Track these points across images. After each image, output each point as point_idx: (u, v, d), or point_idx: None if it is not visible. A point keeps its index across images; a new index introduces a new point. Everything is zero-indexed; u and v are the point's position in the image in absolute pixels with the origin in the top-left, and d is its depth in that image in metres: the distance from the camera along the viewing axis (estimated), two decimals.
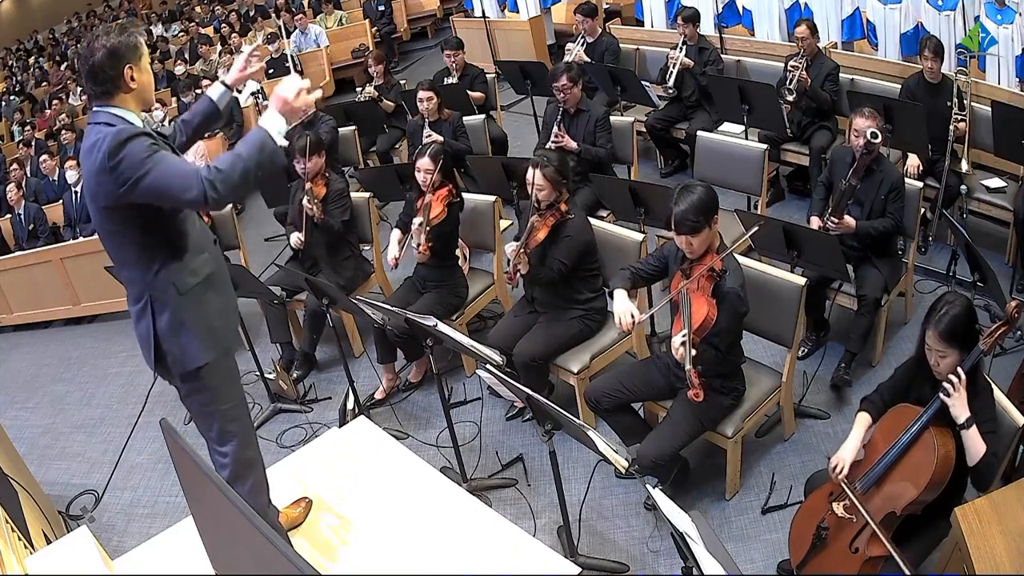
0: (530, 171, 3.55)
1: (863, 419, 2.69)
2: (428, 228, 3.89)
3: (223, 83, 2.68)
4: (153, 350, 2.40)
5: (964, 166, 4.38)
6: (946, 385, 2.38)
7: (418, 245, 3.91)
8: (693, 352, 2.77)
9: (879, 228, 3.65)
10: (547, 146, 4.78)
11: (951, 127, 4.26)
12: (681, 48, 5.57)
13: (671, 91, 5.57)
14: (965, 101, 4.37)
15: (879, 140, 3.53)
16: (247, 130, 7.73)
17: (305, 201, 4.30)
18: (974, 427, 2.36)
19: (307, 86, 2.28)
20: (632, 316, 3.01)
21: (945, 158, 4.33)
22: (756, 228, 2.99)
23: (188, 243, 2.41)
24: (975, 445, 2.36)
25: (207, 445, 2.61)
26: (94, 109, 2.28)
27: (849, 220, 3.63)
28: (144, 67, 2.29)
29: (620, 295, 3.13)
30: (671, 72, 5.55)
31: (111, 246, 2.39)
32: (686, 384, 2.81)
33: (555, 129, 4.81)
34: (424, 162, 3.92)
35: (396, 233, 4.25)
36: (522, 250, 3.53)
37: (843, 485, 2.51)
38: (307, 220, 4.36)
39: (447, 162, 3.99)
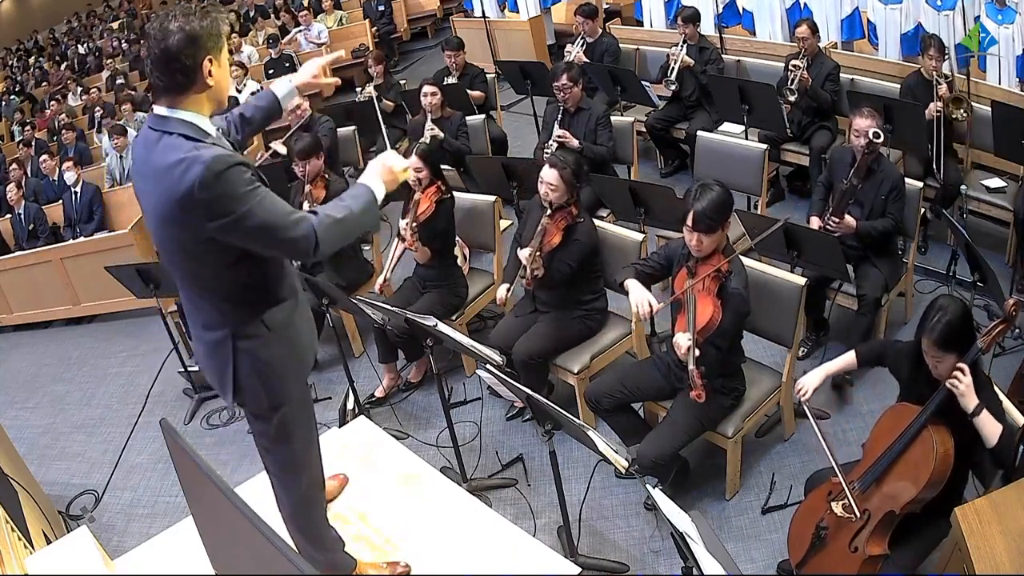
0: (546, 170, 3.51)
1: (850, 355, 2.83)
2: (416, 225, 3.90)
3: (291, 82, 2.38)
4: (232, 385, 2.09)
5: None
6: (954, 377, 2.37)
7: (408, 243, 3.93)
8: (697, 352, 2.77)
9: (880, 228, 3.66)
10: (549, 143, 4.79)
11: (935, 106, 4.25)
12: (682, 47, 5.57)
13: (673, 86, 5.58)
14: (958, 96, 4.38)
15: (881, 140, 3.53)
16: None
17: (305, 205, 4.29)
18: (985, 411, 2.35)
19: (410, 165, 2.13)
20: (650, 304, 2.99)
21: (934, 146, 4.30)
22: (774, 228, 3.01)
23: (280, 273, 2.12)
24: (990, 428, 2.35)
25: (271, 479, 2.33)
26: (159, 113, 1.89)
27: (850, 220, 3.63)
28: (223, 61, 1.92)
29: (635, 284, 3.08)
30: (672, 68, 5.55)
31: (187, 268, 2.03)
32: (688, 385, 2.81)
33: (556, 127, 4.80)
34: (413, 161, 3.93)
35: (394, 246, 4.25)
36: (537, 254, 3.52)
37: (842, 484, 2.51)
38: None
39: (436, 159, 4.01)
